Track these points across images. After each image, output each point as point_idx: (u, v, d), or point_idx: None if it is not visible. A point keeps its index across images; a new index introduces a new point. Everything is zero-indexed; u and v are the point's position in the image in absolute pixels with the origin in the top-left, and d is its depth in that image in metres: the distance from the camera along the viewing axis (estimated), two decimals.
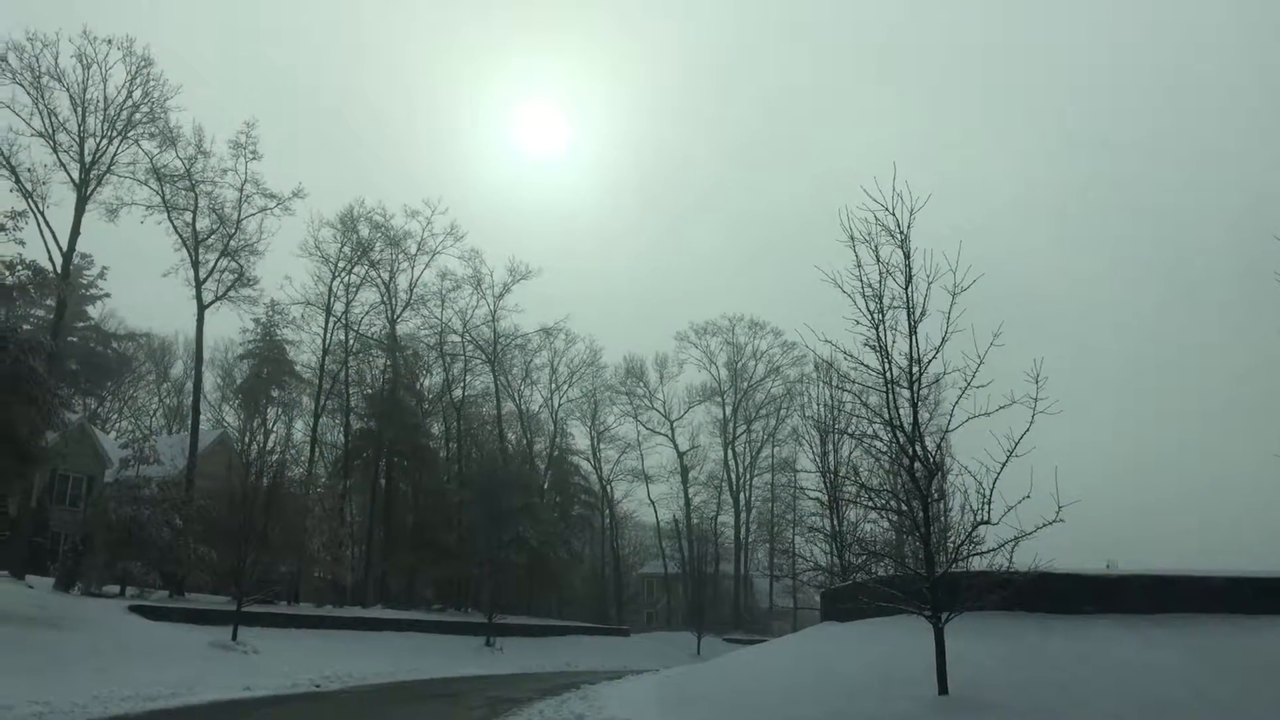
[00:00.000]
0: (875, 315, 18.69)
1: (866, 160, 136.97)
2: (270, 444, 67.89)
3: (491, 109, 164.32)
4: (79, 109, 47.12)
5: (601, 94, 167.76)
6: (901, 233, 18.60)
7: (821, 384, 57.70)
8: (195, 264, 53.05)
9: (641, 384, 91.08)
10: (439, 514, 67.23)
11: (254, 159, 53.92)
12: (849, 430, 37.89)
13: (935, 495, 19.13)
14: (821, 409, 59.11)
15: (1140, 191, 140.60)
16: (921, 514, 18.18)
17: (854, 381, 19.75)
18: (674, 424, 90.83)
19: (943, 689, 17.44)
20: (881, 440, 20.37)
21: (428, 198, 69.28)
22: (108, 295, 72.51)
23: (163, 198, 51.66)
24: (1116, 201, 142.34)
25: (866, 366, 18.90)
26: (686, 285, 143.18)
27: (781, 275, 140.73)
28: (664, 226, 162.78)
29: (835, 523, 49.49)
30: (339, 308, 65.58)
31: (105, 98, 47.52)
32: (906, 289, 18.52)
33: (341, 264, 65.57)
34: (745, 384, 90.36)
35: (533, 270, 76.85)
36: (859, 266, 18.84)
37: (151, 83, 48.26)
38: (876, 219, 18.62)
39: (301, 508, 48.63)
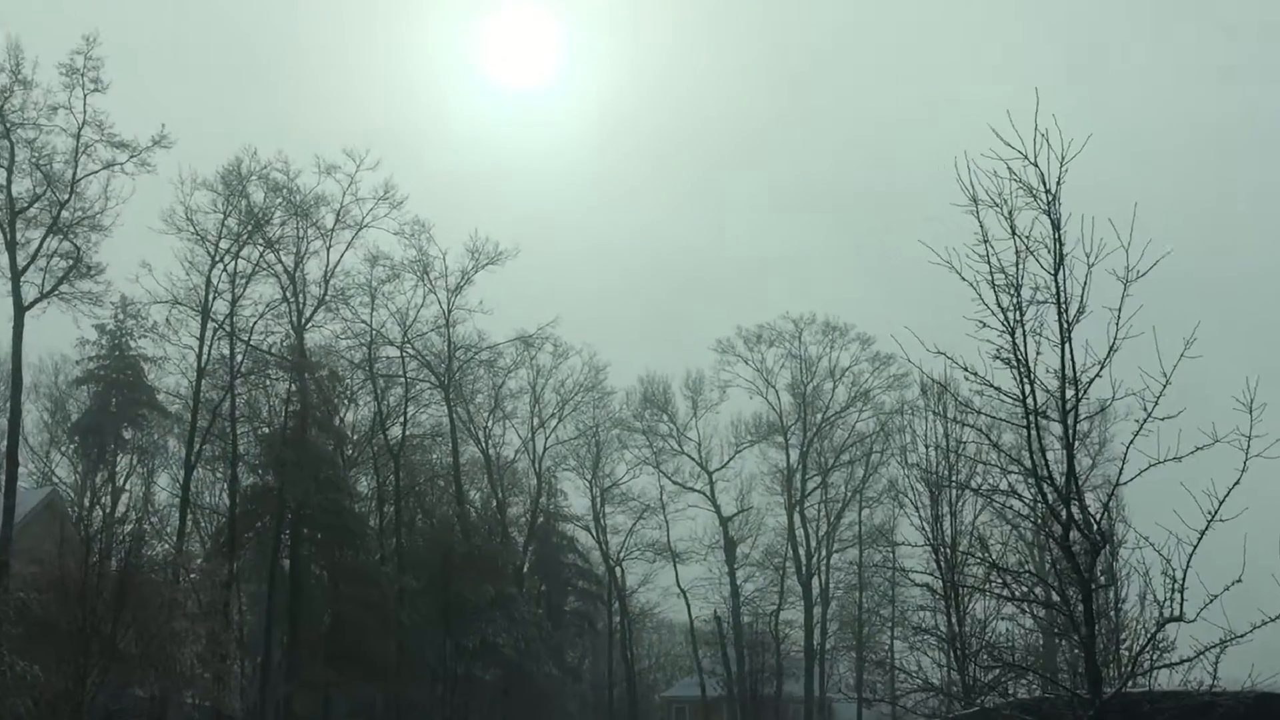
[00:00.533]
0: (1010, 314, 18.57)
1: (984, 85, 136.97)
2: (121, 508, 68.16)
3: (447, 20, 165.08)
4: None
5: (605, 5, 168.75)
6: (1048, 192, 18.51)
7: (931, 416, 57.31)
8: (11, 245, 53.35)
9: (665, 417, 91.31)
10: (369, 609, 67.19)
11: (96, 91, 54.27)
12: (972, 484, 37.61)
13: (1102, 579, 18.97)
14: (932, 453, 58.66)
15: None
16: (1081, 607, 18.01)
17: (979, 412, 19.66)
18: (714, 477, 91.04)
19: None
20: (1021, 499, 20.20)
21: (350, 147, 69.03)
22: None
23: None
24: None
25: (998, 390, 18.77)
26: (726, 271, 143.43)
27: (866, 255, 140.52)
28: (691, 186, 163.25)
29: (954, 621, 49.08)
30: (221, 308, 65.99)
31: None
32: (1056, 274, 18.39)
33: (224, 244, 65.97)
34: (818, 416, 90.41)
35: (505, 251, 77.39)
36: (985, 242, 18.72)
37: None
38: (1011, 171, 18.53)
39: (168, 602, 48.55)
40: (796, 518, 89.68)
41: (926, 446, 60.46)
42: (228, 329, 66.10)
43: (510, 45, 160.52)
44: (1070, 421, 18.43)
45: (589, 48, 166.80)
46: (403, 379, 77.74)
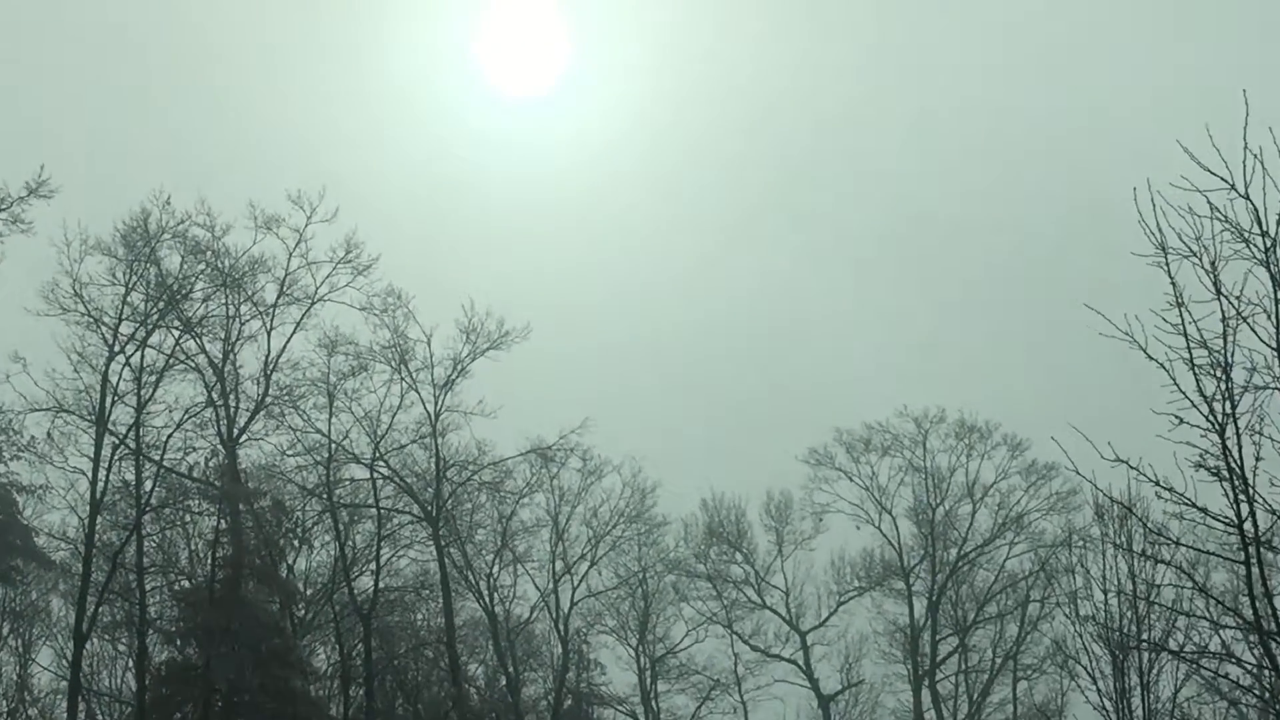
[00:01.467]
0: (1218, 405, 18.53)
1: (1164, 88, 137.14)
2: None
3: (427, 33, 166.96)
4: None
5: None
6: (1265, 234, 18.50)
7: (1111, 549, 57.10)
8: None
9: (740, 557, 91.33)
10: None
11: None
12: (1171, 644, 37.37)
13: None
14: (1114, 601, 58.42)
15: None
16: None
17: (1178, 542, 19.54)
18: (809, 638, 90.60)
19: None
20: (1240, 663, 20.07)
21: (297, 191, 69.13)
22: None
23: None
24: None
25: (1203, 511, 18.69)
26: (816, 350, 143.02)
27: (1011, 325, 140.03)
28: (759, 234, 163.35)
29: None
30: (124, 416, 66.25)
31: None
32: None
33: (127, 329, 66.35)
34: (953, 552, 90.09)
35: (511, 331, 77.15)
36: (1179, 305, 18.74)
37: None
38: (1212, 207, 18.54)
39: None
40: (926, 695, 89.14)
41: (1105, 592, 60.12)
42: (132, 445, 66.35)
43: (505, 51, 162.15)
44: None
45: (610, 58, 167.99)
46: (374, 510, 77.63)
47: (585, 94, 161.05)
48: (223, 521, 69.52)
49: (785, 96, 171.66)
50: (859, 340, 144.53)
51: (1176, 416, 18.72)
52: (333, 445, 74.77)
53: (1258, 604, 18.48)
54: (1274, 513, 18.40)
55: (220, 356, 69.47)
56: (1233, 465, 18.49)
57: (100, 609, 66.39)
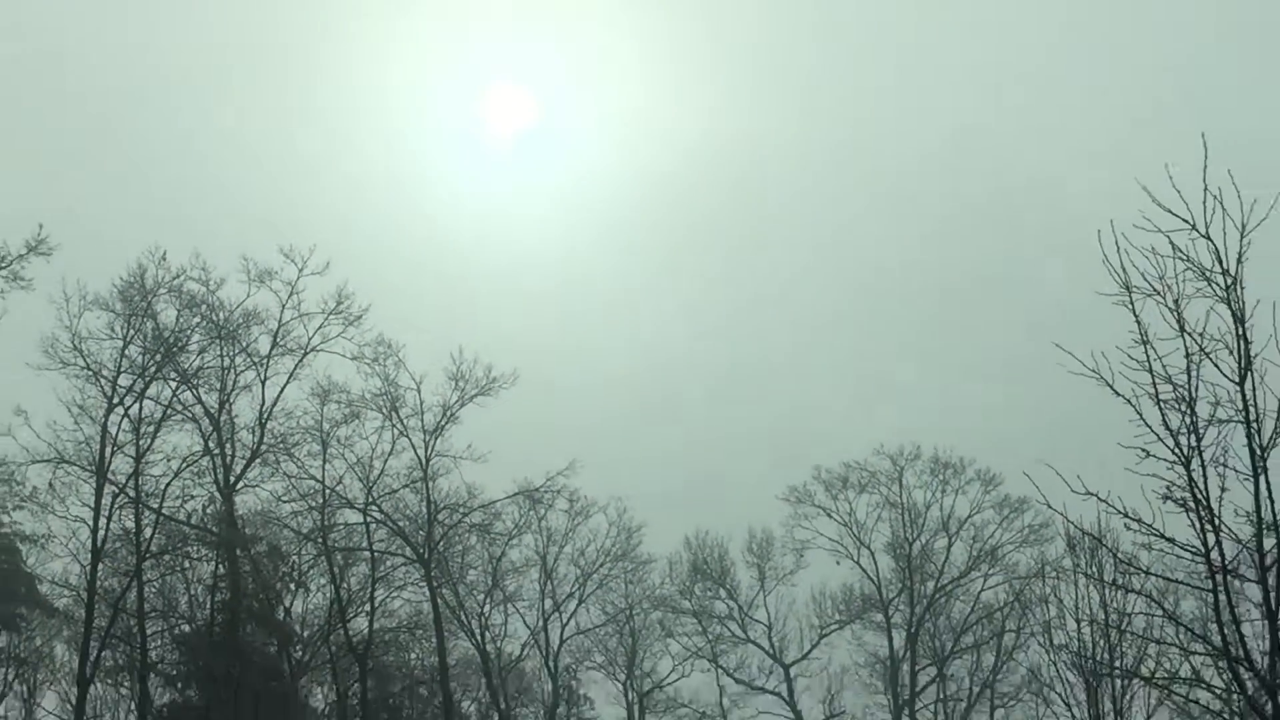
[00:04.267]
0: (1183, 438, 18.56)
1: (1126, 134, 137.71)
2: None
3: (412, 87, 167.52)
4: None
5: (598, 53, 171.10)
6: (1226, 273, 18.55)
7: (1083, 579, 57.19)
8: None
9: (724, 593, 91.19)
10: None
11: None
12: (1143, 671, 37.35)
13: None
14: (1086, 630, 58.51)
15: None
16: None
17: (1147, 572, 19.55)
18: (792, 671, 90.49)
19: None
20: (1210, 688, 20.04)
21: (289, 246, 69.14)
22: None
23: None
24: None
25: (1170, 541, 18.71)
26: (798, 399, 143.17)
27: (983, 362, 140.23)
28: (748, 289, 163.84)
29: None
30: (123, 466, 66.18)
31: None
32: (1242, 383, 18.41)
33: (125, 381, 66.40)
34: (930, 585, 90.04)
35: (499, 378, 77.25)
36: (1144, 343, 18.78)
37: None
38: (1174, 247, 18.60)
39: None
40: None
41: (1078, 621, 60.25)
42: (131, 494, 66.31)
43: (491, 104, 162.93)
44: (1272, 581, 18.32)
45: (577, 104, 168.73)
46: (368, 553, 77.52)
47: (559, 142, 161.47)
48: (221, 567, 69.43)
49: (759, 156, 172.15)
50: (832, 383, 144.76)
51: (1144, 450, 18.77)
52: (327, 491, 74.69)
53: (1225, 630, 18.49)
54: (1239, 542, 18.41)
55: (216, 406, 69.54)
56: (1199, 496, 18.53)
57: (103, 654, 66.24)
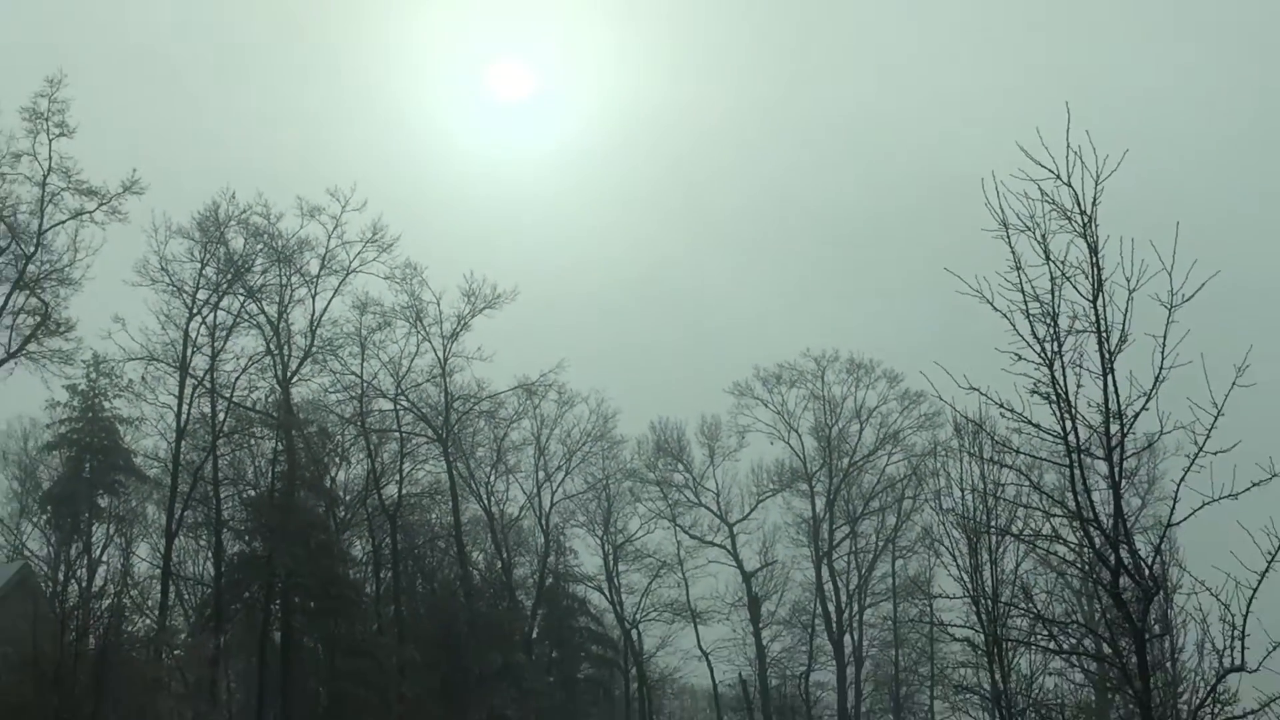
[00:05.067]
0: (1047, 345, 18.58)
1: (1011, 101, 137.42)
2: (98, 582, 68.10)
3: (434, 58, 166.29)
4: None
5: (599, 30, 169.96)
6: (1083, 213, 18.54)
7: (967, 457, 57.23)
8: None
9: (681, 467, 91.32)
10: (368, 684, 66.99)
11: (62, 135, 54.61)
12: (1013, 529, 37.52)
13: (1155, 628, 18.91)
14: (969, 497, 58.42)
15: None
16: (1135, 658, 17.94)
17: (1018, 451, 19.61)
18: (735, 529, 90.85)
19: None
20: (1066, 543, 20.16)
21: (335, 186, 69.15)
22: None
23: None
24: None
25: (1037, 427, 18.76)
26: (741, 309, 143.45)
27: (890, 286, 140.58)
28: (703, 227, 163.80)
29: (997, 678, 48.88)
30: (200, 363, 66.29)
31: None
32: (1095, 301, 18.42)
33: (202, 295, 66.41)
34: (845, 461, 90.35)
35: (503, 294, 77.38)
36: (1017, 269, 18.77)
37: None
38: (1043, 192, 18.59)
39: (151, 681, 48.58)
40: (825, 571, 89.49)
41: (962, 490, 60.06)
42: (208, 385, 66.35)
43: (497, 75, 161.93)
44: (1116, 459, 18.41)
45: (574, 78, 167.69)
46: (397, 434, 77.76)
47: (558, 105, 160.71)
48: (279, 444, 69.54)
49: (706, 115, 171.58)
50: (769, 300, 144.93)
51: (1016, 354, 18.78)
52: (364, 384, 75.17)
53: (1079, 498, 18.60)
54: (1091, 427, 18.49)
55: (275, 316, 69.72)
56: (1059, 391, 18.57)
57: (185, 513, 66.46)
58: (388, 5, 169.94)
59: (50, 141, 54.31)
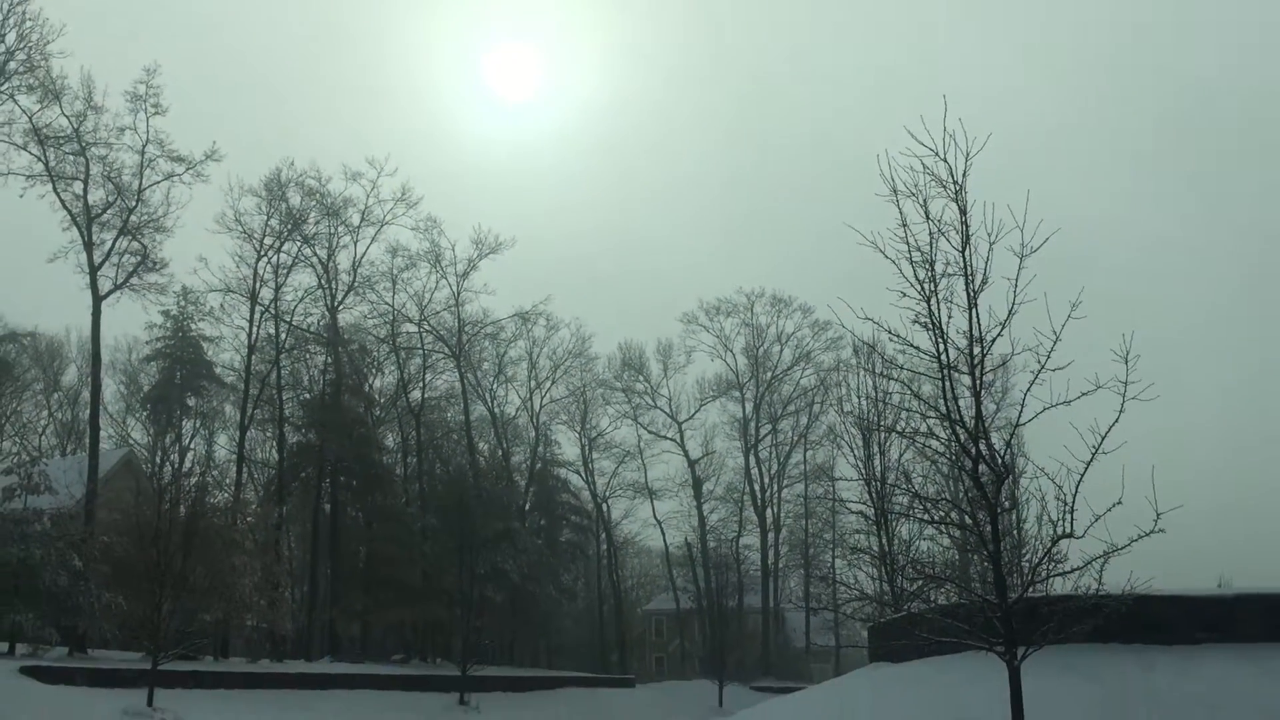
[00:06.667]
0: (926, 285, 18.67)
1: (907, 96, 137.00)
2: (187, 464, 68.16)
3: (450, 50, 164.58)
4: None
5: (584, 33, 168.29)
6: (955, 183, 18.58)
7: (863, 372, 57.62)
8: (88, 245, 52.97)
9: (641, 378, 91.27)
10: (398, 544, 67.40)
11: (157, 114, 53.87)
12: (898, 428, 37.85)
13: (1006, 504, 19.13)
14: (864, 402, 59.11)
15: (1230, 121, 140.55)
16: (989, 527, 18.18)
17: (902, 368, 19.74)
18: (683, 426, 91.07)
19: None
20: (938, 439, 20.35)
21: (372, 155, 69.06)
22: None
23: (46, 164, 51.56)
24: (1203, 142, 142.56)
25: (916, 348, 18.90)
26: (691, 258, 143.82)
27: (808, 240, 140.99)
28: (661, 189, 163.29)
29: (884, 542, 49.51)
30: (266, 295, 65.92)
31: None
32: (963, 251, 18.51)
33: (268, 240, 65.87)
34: (769, 374, 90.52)
35: (504, 242, 77.35)
36: (904, 226, 18.82)
37: (29, 23, 48.19)
38: (924, 166, 18.60)
39: (228, 542, 48.64)
40: (752, 459, 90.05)
41: (859, 397, 60.97)
42: (272, 312, 66.38)
43: (504, 71, 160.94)
44: (977, 373, 18.58)
45: (570, 72, 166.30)
46: (421, 351, 77.78)
47: (554, 103, 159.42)
48: (329, 358, 69.69)
49: (665, 98, 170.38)
50: (711, 245, 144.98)
51: (901, 292, 18.88)
52: (394, 312, 75.06)
53: (948, 403, 18.77)
54: (959, 349, 18.63)
55: (325, 258, 69.41)
56: (934, 321, 18.68)
57: (254, 411, 66.44)
58: (407, 6, 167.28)
59: (148, 118, 53.82)
